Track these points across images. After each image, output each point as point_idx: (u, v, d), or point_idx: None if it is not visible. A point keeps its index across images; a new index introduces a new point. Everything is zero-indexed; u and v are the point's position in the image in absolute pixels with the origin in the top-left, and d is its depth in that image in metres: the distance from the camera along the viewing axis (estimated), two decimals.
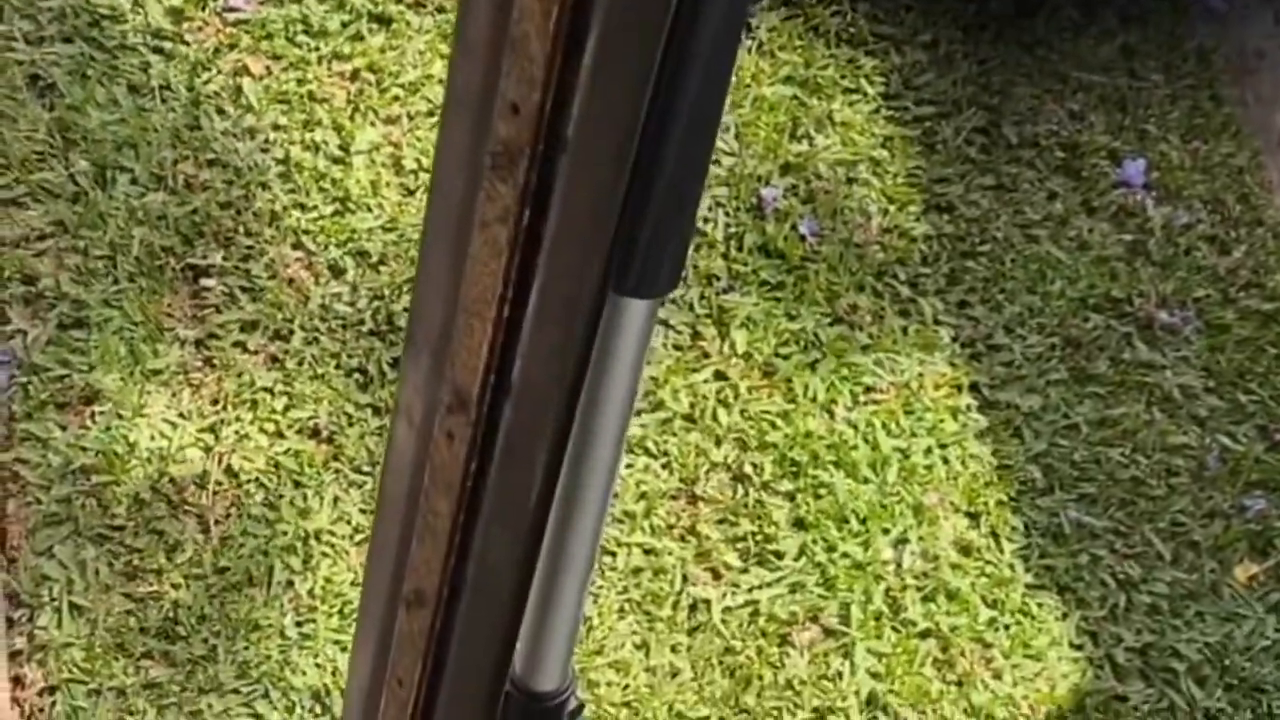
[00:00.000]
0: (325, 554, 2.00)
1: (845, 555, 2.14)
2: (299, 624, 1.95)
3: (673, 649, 2.02)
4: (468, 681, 0.94)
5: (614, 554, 2.08)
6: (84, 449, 2.02)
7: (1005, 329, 2.40)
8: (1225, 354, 2.41)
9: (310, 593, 1.97)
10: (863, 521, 2.17)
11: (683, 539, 2.12)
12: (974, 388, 2.33)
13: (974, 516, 2.22)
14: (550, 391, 0.78)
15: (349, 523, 2.03)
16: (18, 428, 2.03)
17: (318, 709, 1.89)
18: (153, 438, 2.05)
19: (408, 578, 0.87)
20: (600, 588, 2.05)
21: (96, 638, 1.89)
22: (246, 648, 1.91)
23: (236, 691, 1.89)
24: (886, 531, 2.17)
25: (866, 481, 2.21)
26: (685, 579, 2.08)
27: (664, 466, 2.17)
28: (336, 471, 2.07)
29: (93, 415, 2.06)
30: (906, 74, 2.57)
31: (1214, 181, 2.61)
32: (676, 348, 2.28)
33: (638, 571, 2.07)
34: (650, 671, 1.99)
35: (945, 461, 2.26)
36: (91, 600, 1.91)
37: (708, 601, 2.06)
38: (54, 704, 1.84)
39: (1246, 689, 2.14)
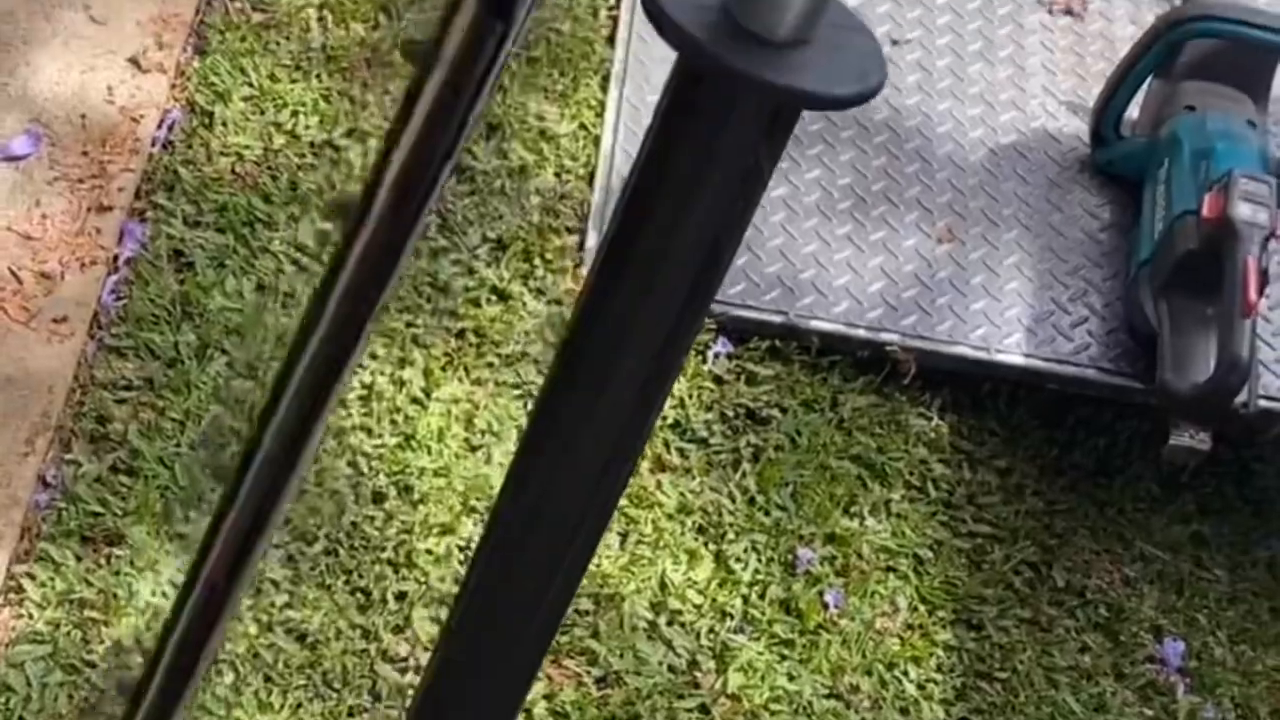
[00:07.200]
0: None
1: None
2: None
3: None
4: None
5: None
6: (89, 583, 2.09)
7: None
8: None
9: None
10: None
11: None
12: None
13: None
14: None
15: None
16: (38, 545, 2.11)
17: None
18: (153, 593, 2.12)
19: None
20: None
21: None
22: None
23: None
24: None
25: None
26: None
27: None
28: (308, 679, 2.10)
29: (110, 557, 2.13)
30: (973, 490, 2.63)
31: (1251, 687, 2.58)
32: (671, 670, 2.29)
33: None
34: None
35: None
36: None
37: None
38: None
39: None
